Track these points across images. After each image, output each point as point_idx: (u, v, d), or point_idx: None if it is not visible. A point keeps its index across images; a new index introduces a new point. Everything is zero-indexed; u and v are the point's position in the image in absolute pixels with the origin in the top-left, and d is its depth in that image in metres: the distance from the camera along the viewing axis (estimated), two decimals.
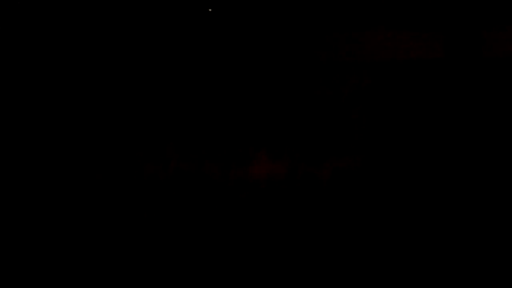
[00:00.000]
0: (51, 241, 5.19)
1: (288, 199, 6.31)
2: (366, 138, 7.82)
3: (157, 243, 5.25)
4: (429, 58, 7.61)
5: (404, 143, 7.46)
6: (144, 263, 4.71)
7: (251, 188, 6.69)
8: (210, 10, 7.14)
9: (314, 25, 8.10)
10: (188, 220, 6.00)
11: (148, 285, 4.20)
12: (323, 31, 8.03)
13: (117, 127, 8.06)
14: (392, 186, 6.55)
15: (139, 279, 4.39)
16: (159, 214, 6.16)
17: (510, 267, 4.32)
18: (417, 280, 4.36)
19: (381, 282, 4.30)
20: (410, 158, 7.11)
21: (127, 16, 8.05)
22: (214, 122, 8.21)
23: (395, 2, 7.85)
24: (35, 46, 8.03)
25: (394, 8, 7.85)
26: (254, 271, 4.45)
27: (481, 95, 7.39)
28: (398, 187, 6.52)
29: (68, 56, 8.14)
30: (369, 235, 5.13)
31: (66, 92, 8.06)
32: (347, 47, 7.98)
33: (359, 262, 4.59)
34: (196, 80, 8.33)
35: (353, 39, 7.98)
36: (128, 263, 4.71)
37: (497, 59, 7.40)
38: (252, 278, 4.39)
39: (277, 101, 8.27)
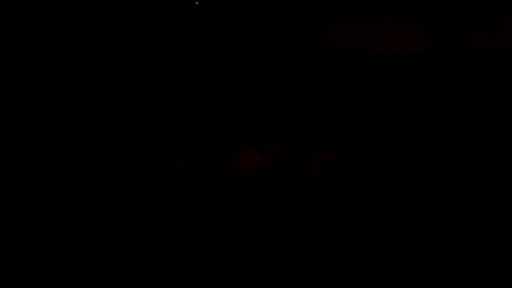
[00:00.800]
0: (36, 232, 5.17)
1: (275, 192, 6.31)
2: (353, 131, 7.82)
3: (145, 236, 5.24)
4: (417, 52, 7.60)
5: (391, 137, 7.47)
6: (133, 255, 4.70)
7: (238, 181, 6.68)
8: (197, 3, 7.13)
9: (298, 17, 8.09)
10: (175, 213, 5.99)
11: (137, 276, 4.19)
12: (308, 23, 8.01)
13: (105, 122, 8.04)
14: (379, 179, 6.56)
15: (127, 270, 4.37)
16: (147, 207, 6.15)
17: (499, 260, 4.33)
18: (407, 273, 4.36)
19: (369, 273, 4.30)
20: (397, 152, 7.11)
21: (113, 12, 8.03)
22: (201, 117, 8.19)
23: None
24: (28, 43, 8.01)
25: None
26: (243, 262, 4.46)
27: (469, 89, 7.41)
28: (386, 181, 6.53)
29: (58, 53, 8.12)
30: (356, 228, 5.13)
31: (55, 89, 8.05)
32: (334, 39, 7.97)
33: (346, 254, 4.60)
34: (183, 76, 8.31)
35: (340, 31, 7.97)
36: (117, 255, 4.70)
37: (485, 52, 7.41)
38: (241, 269, 4.39)
39: (264, 95, 8.25)
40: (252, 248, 4.78)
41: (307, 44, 7.93)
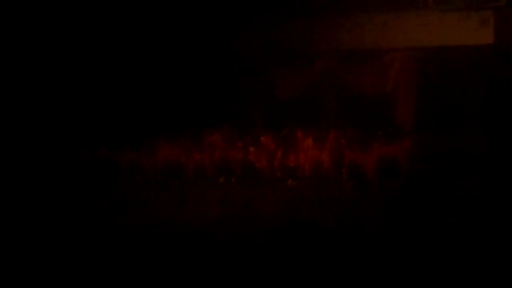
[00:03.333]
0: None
1: (333, 188, 6.30)
2: (412, 126, 7.72)
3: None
4: (479, 43, 7.42)
5: (451, 130, 7.37)
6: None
7: (297, 175, 6.70)
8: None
9: (359, 7, 8.03)
10: (233, 205, 6.02)
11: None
12: (368, 13, 7.93)
13: (166, 116, 8.19)
14: (440, 174, 6.48)
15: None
16: (206, 199, 6.21)
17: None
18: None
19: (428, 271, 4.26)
20: (456, 146, 7.00)
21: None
22: (260, 111, 8.24)
23: None
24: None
25: None
26: (297, 257, 4.49)
27: None
28: (447, 174, 6.44)
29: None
30: (417, 225, 5.07)
31: (112, 87, 8.26)
32: (393, 30, 7.87)
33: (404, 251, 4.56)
34: (243, 70, 8.38)
35: (401, 23, 7.87)
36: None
37: None
38: (296, 264, 4.43)
39: (321, 89, 8.24)
40: (307, 243, 4.80)
41: (365, 36, 7.83)
